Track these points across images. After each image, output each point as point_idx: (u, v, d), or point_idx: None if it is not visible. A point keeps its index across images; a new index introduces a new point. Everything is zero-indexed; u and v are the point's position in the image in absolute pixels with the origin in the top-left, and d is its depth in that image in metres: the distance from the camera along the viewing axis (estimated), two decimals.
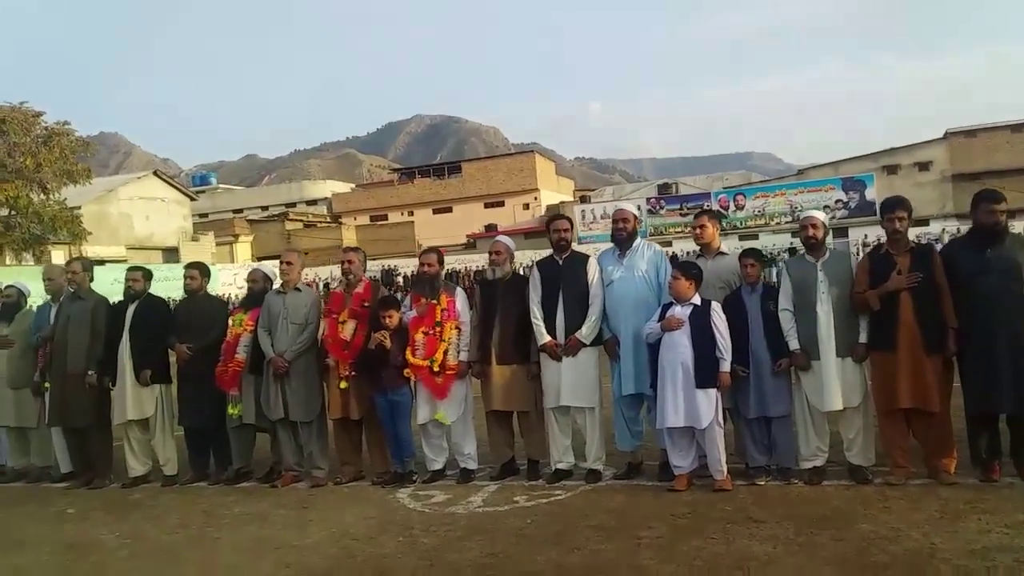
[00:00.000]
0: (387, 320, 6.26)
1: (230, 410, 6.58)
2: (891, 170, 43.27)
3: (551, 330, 6.02)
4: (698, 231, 6.21)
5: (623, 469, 6.10)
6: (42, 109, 33.62)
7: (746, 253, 5.89)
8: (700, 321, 5.55)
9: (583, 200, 54.21)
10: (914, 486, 5.22)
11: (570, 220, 6.52)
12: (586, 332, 5.97)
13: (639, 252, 6.09)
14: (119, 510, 6.19)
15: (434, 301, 6.32)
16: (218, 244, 46.44)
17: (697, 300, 5.62)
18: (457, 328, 6.28)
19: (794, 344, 5.57)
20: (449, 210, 58.66)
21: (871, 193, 42.58)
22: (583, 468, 6.08)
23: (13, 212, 32.27)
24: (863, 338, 5.50)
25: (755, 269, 5.80)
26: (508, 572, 4.28)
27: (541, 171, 59.91)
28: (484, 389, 6.31)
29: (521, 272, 7.24)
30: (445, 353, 6.20)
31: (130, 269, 7.25)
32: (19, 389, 7.32)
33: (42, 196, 33.09)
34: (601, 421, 6.06)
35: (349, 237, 51.53)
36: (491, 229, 54.73)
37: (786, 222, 43.47)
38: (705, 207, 35.94)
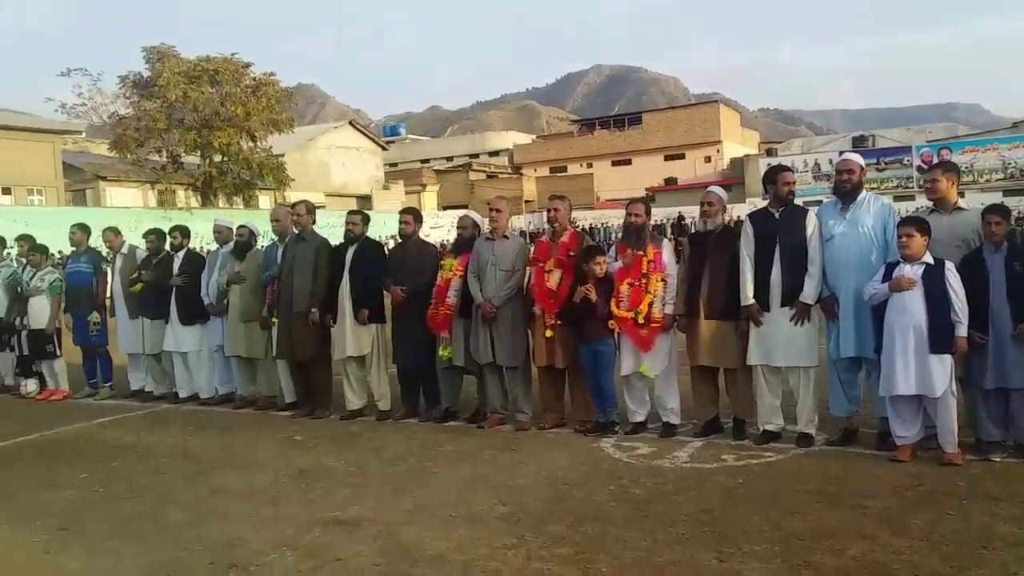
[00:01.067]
0: (595, 267, 6.25)
1: (441, 352, 6.84)
2: None
3: (763, 287, 5.80)
4: (930, 185, 5.80)
5: (836, 435, 5.83)
6: (250, 60, 36.03)
7: (991, 209, 5.40)
8: (933, 281, 5.18)
9: (769, 153, 51.95)
10: None
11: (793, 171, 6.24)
12: (810, 293, 5.71)
13: (864, 206, 5.73)
14: (342, 439, 6.60)
15: (640, 252, 6.24)
16: (407, 193, 48.33)
17: (929, 259, 5.25)
18: (663, 280, 6.18)
19: None
20: (628, 162, 57.99)
21: None
22: (793, 431, 5.88)
23: (226, 158, 35.04)
24: None
25: (1000, 227, 5.30)
26: (726, 530, 4.21)
27: (725, 122, 57.87)
28: (690, 344, 6.19)
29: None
30: (650, 305, 6.12)
31: (350, 213, 7.63)
32: (249, 322, 7.92)
33: (250, 144, 35.70)
34: (816, 383, 5.82)
35: (529, 188, 52.18)
36: (671, 182, 53.67)
37: (997, 179, 39.82)
38: (943, 158, 33.26)
